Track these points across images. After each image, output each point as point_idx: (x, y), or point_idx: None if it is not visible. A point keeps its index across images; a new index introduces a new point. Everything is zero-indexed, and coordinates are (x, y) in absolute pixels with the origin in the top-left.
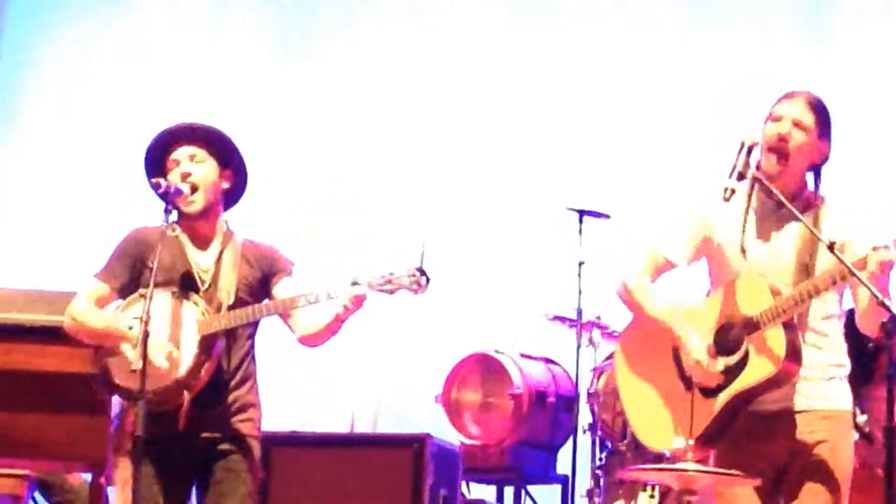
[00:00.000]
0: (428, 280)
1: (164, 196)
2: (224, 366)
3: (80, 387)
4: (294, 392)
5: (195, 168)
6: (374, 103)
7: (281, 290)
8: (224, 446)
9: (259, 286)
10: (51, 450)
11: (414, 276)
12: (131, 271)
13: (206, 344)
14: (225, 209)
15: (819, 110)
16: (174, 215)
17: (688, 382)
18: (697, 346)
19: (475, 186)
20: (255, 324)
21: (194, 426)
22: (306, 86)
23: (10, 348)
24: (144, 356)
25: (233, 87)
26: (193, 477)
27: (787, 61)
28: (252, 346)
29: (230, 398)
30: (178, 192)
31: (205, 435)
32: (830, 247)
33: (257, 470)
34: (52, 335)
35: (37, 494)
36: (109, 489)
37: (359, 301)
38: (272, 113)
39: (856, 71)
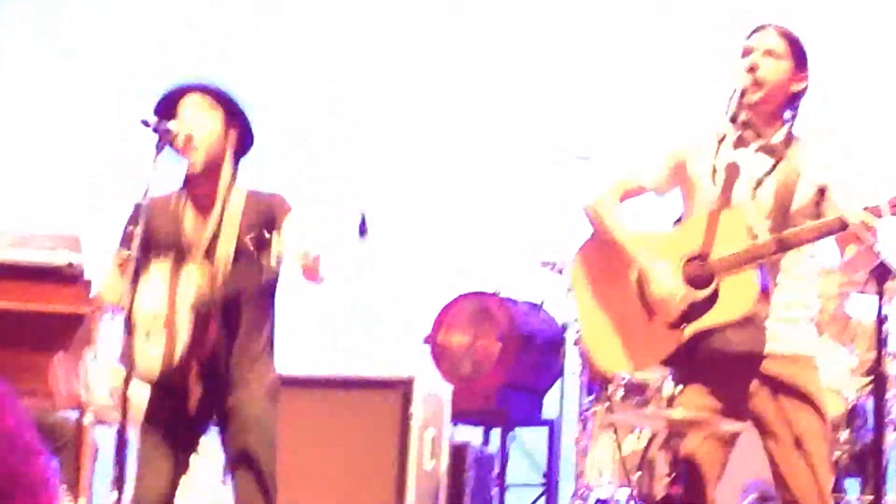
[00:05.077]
0: (368, 235)
1: (156, 131)
2: (227, 336)
3: (66, 325)
4: (284, 334)
5: (198, 124)
6: (363, 44)
7: None
8: (237, 428)
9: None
10: (36, 388)
11: (356, 231)
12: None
13: (202, 317)
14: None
15: (790, 39)
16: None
17: (650, 310)
18: (664, 281)
19: (465, 130)
20: (262, 288)
21: (203, 397)
22: (295, 22)
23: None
24: (168, 362)
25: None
26: (205, 430)
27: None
28: (261, 309)
29: (237, 367)
30: (167, 131)
31: (215, 401)
32: (821, 191)
33: (272, 441)
34: (40, 275)
35: None
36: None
37: (312, 263)
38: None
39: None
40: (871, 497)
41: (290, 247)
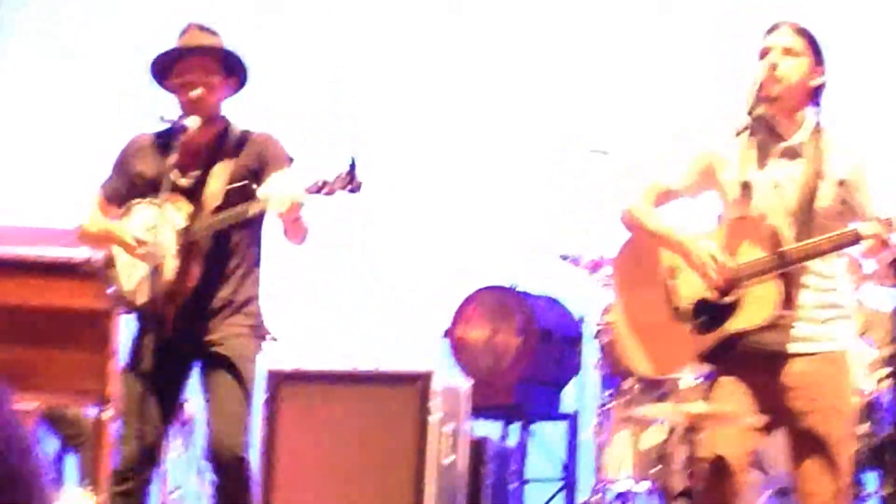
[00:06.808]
0: (359, 182)
1: (173, 127)
2: (212, 271)
3: (86, 322)
4: (303, 328)
5: (204, 91)
6: (363, 44)
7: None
8: (217, 349)
9: (252, 183)
10: (58, 384)
11: (346, 177)
12: (124, 180)
13: (187, 251)
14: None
15: (807, 35)
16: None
17: (679, 315)
18: (707, 244)
19: (478, 123)
20: (249, 227)
21: (184, 332)
22: (295, 22)
23: (18, 283)
24: (153, 288)
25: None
26: (188, 371)
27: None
28: (248, 247)
29: (221, 301)
30: (183, 128)
31: (196, 338)
32: (841, 183)
33: (251, 371)
34: (59, 270)
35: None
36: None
37: (296, 207)
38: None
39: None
40: (890, 490)
41: (272, 193)
